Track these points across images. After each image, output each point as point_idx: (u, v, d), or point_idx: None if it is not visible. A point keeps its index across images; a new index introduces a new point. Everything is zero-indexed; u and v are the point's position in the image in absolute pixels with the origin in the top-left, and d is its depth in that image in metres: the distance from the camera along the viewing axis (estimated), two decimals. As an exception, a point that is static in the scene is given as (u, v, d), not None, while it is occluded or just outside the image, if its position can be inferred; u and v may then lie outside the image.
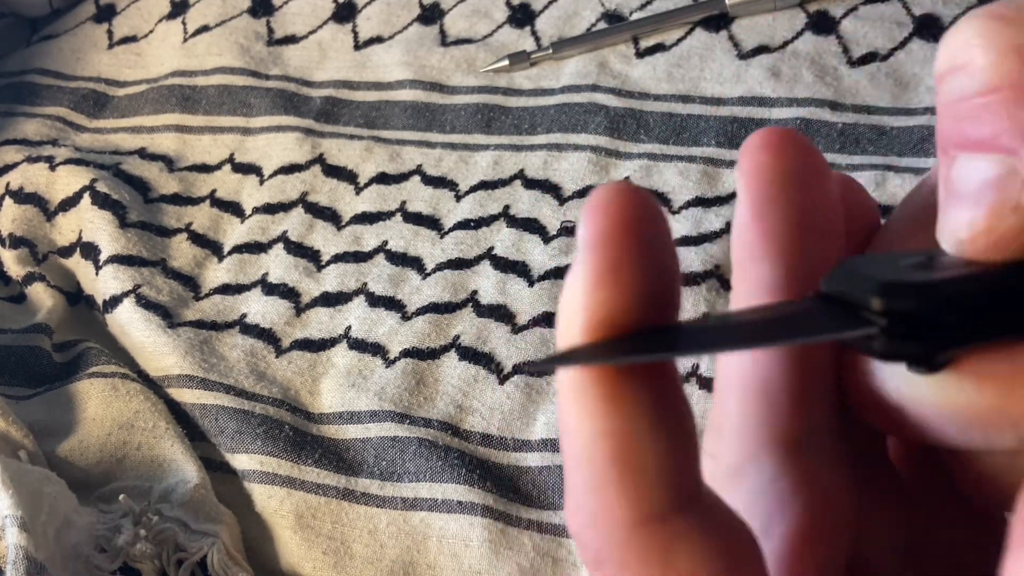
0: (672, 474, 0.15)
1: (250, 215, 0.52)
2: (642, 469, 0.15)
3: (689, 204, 0.47)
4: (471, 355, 0.44)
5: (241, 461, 0.42)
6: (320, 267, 0.49)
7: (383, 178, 0.52)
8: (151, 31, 0.62)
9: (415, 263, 0.48)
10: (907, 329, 0.15)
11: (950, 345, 0.15)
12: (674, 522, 0.15)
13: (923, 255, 0.16)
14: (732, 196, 0.47)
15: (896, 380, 0.16)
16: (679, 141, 0.50)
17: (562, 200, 0.49)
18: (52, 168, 0.53)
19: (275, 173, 0.54)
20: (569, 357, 0.15)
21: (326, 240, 0.50)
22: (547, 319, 0.44)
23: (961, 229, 0.16)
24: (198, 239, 0.52)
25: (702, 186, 0.47)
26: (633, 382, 0.15)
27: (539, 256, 0.47)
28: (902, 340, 0.15)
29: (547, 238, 0.47)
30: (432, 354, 0.44)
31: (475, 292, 0.46)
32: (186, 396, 0.44)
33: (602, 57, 0.54)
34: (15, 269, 0.51)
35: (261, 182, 0.54)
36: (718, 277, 0.44)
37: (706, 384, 0.40)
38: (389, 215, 0.51)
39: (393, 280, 0.48)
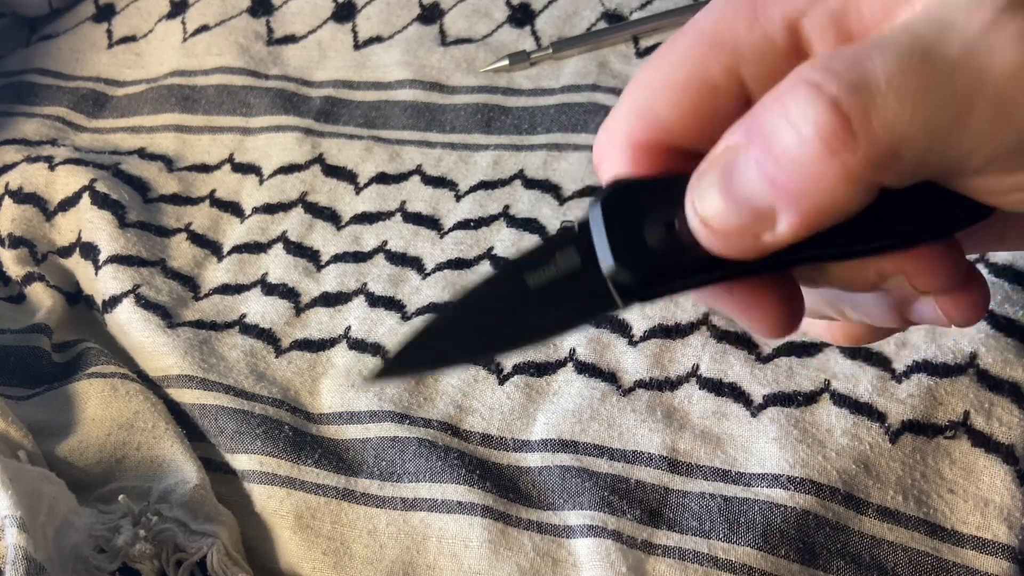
0: None
1: (250, 215, 0.52)
2: None
3: (689, 204, 0.47)
4: (471, 355, 0.44)
5: (241, 461, 0.42)
6: (320, 267, 0.49)
7: (383, 178, 0.52)
8: (151, 31, 0.62)
9: (415, 263, 0.48)
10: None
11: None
12: None
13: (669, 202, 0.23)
14: (732, 196, 0.47)
15: None
16: (679, 141, 0.50)
17: (562, 200, 0.49)
18: (51, 168, 0.53)
19: (275, 173, 0.54)
20: None
21: (326, 240, 0.50)
22: (547, 319, 0.44)
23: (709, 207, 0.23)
24: (197, 239, 0.52)
25: (702, 186, 0.47)
26: None
27: (539, 256, 0.47)
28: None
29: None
30: (432, 354, 0.44)
31: (475, 292, 0.46)
32: (186, 396, 0.44)
33: (602, 57, 0.54)
34: (14, 269, 0.51)
35: (261, 182, 0.53)
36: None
37: (706, 384, 0.40)
38: (389, 215, 0.50)
39: (393, 280, 0.48)
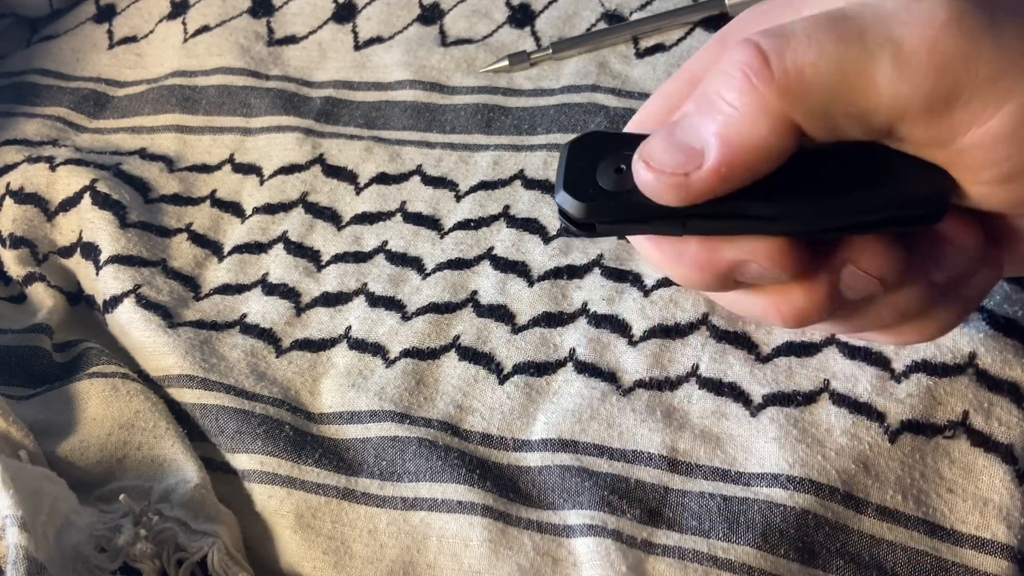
0: None
1: (250, 215, 0.52)
2: None
3: (689, 204, 0.47)
4: (471, 355, 0.44)
5: (241, 461, 0.42)
6: (320, 267, 0.49)
7: (383, 178, 0.52)
8: (151, 31, 0.62)
9: (415, 263, 0.48)
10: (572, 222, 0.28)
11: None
12: None
13: (627, 151, 0.27)
14: (732, 196, 0.47)
15: None
16: (679, 141, 0.50)
17: (562, 200, 0.49)
18: (52, 168, 0.53)
19: (275, 173, 0.54)
20: None
21: (326, 240, 0.50)
22: (547, 319, 0.44)
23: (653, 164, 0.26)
24: (198, 239, 0.52)
25: (702, 186, 0.47)
26: None
27: (539, 256, 0.47)
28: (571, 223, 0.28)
29: (547, 238, 0.47)
30: (432, 354, 0.44)
31: (475, 292, 0.46)
32: (186, 396, 0.44)
33: (602, 57, 0.54)
34: (15, 269, 0.51)
35: (261, 182, 0.54)
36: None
37: (705, 384, 0.40)
38: (389, 215, 0.51)
39: (393, 280, 0.48)
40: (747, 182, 0.25)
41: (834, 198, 0.26)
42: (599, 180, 0.27)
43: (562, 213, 0.27)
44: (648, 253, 0.29)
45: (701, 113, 0.25)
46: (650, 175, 0.25)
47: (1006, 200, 0.26)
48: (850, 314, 0.30)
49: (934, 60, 0.24)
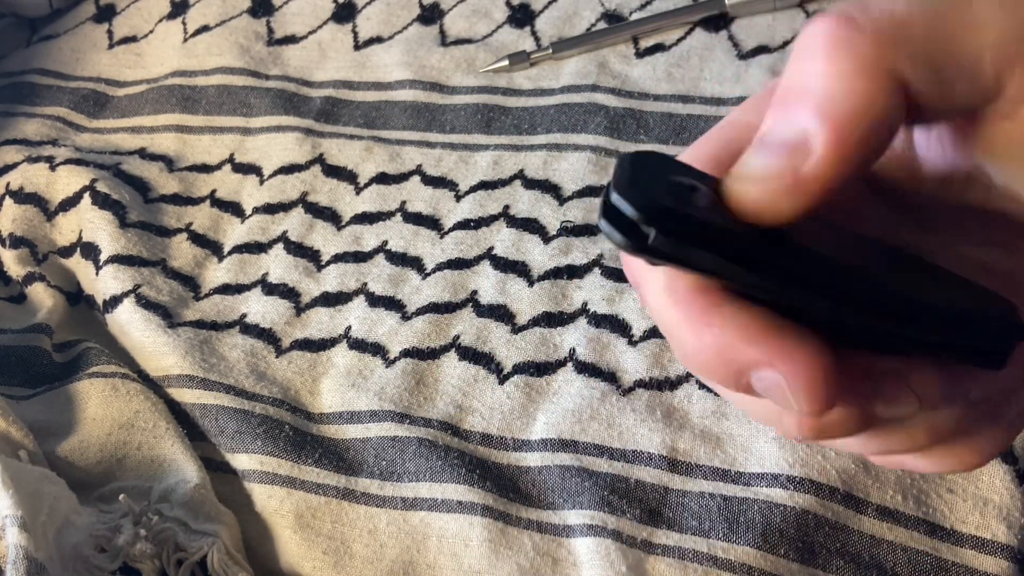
0: None
1: (250, 215, 0.52)
2: None
3: (689, 204, 0.47)
4: (471, 355, 0.44)
5: (241, 461, 0.42)
6: (320, 267, 0.49)
7: (383, 178, 0.52)
8: (151, 31, 0.62)
9: (415, 263, 0.48)
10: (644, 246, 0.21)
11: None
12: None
13: (699, 180, 0.22)
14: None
15: None
16: (679, 141, 0.50)
17: (562, 200, 0.49)
18: (52, 168, 0.53)
19: (275, 173, 0.54)
20: None
21: (326, 240, 0.50)
22: (547, 319, 0.44)
23: (749, 174, 0.21)
24: (198, 239, 0.52)
25: (702, 186, 0.47)
26: None
27: (539, 256, 0.47)
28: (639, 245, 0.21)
29: (547, 238, 0.47)
30: (432, 354, 0.44)
31: (475, 292, 0.46)
32: (186, 396, 0.44)
33: (602, 57, 0.54)
34: (15, 269, 0.51)
35: (261, 182, 0.54)
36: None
37: (705, 384, 0.40)
38: (389, 215, 0.51)
39: (393, 280, 0.48)
40: (870, 158, 0.21)
41: (904, 305, 0.22)
42: (665, 190, 0.21)
43: (610, 215, 0.21)
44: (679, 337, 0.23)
45: (788, 108, 0.21)
46: (753, 188, 0.21)
47: None
48: (878, 432, 0.25)
49: None
